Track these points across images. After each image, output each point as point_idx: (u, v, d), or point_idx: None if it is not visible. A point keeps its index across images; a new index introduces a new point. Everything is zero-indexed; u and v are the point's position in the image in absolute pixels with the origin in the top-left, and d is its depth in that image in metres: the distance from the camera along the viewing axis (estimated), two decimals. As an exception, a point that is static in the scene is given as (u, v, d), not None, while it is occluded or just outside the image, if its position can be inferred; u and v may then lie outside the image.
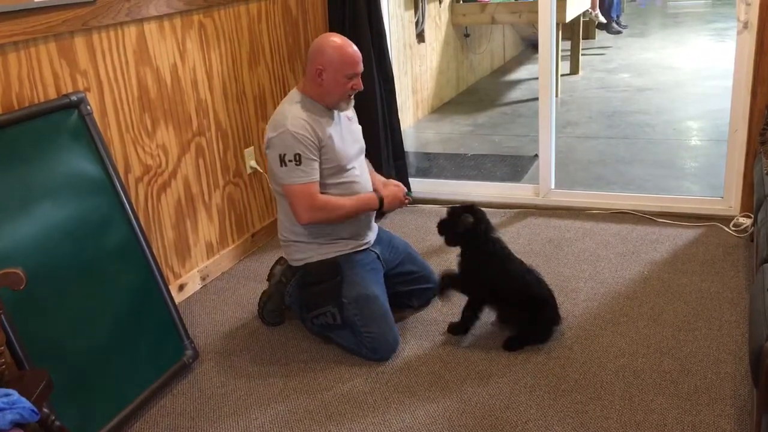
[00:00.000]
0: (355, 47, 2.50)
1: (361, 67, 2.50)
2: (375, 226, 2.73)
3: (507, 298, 2.50)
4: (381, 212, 2.53)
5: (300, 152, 2.40)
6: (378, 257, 2.64)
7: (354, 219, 2.57)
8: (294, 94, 2.55)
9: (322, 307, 2.54)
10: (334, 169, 2.51)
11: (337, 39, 2.49)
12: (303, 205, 2.43)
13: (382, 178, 2.82)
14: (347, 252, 2.56)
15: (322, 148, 2.47)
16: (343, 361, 2.51)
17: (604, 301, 2.74)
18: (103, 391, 2.20)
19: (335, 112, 2.55)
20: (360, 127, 2.75)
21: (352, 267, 2.54)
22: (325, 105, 2.51)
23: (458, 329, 2.59)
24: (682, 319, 2.58)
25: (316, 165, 2.45)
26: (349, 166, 2.57)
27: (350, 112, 2.68)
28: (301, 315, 2.66)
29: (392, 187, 2.67)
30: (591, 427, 2.08)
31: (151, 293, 2.47)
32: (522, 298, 2.48)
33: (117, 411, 2.21)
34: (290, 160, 2.40)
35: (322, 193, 2.48)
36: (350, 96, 2.53)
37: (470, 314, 2.57)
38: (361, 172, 2.65)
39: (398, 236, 2.89)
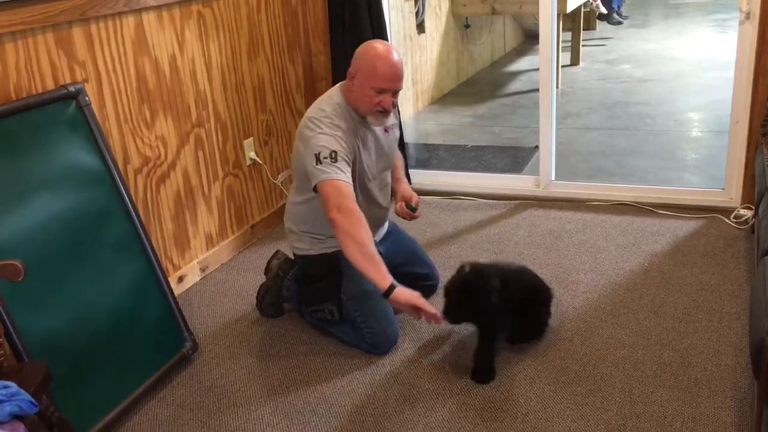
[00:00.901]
0: (395, 61, 2.33)
1: (396, 85, 2.36)
2: (386, 224, 2.72)
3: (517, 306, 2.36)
4: (386, 295, 2.22)
5: (336, 150, 2.30)
6: (380, 253, 2.62)
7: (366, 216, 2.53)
8: (336, 93, 2.46)
9: (320, 304, 2.53)
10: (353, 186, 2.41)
11: (379, 46, 2.36)
12: (334, 201, 2.26)
13: (406, 189, 2.71)
14: None
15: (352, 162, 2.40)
16: (342, 353, 2.50)
17: (604, 293, 2.74)
18: (103, 382, 2.19)
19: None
20: (398, 136, 2.64)
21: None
22: (358, 113, 2.42)
23: (486, 374, 2.31)
24: (683, 311, 2.58)
25: (349, 169, 2.35)
26: (369, 185, 2.52)
27: (391, 119, 2.56)
28: (299, 308, 2.66)
29: (409, 295, 2.23)
30: (591, 418, 2.08)
31: (150, 285, 2.46)
32: (527, 296, 2.41)
33: (116, 402, 2.21)
34: (325, 158, 2.28)
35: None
36: (379, 112, 2.38)
37: (492, 349, 2.34)
38: (380, 190, 2.59)
39: (405, 232, 2.87)
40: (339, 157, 2.29)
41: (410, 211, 2.67)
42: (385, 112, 2.40)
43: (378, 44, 2.38)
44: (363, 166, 2.47)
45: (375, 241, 2.57)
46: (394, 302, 2.23)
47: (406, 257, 2.73)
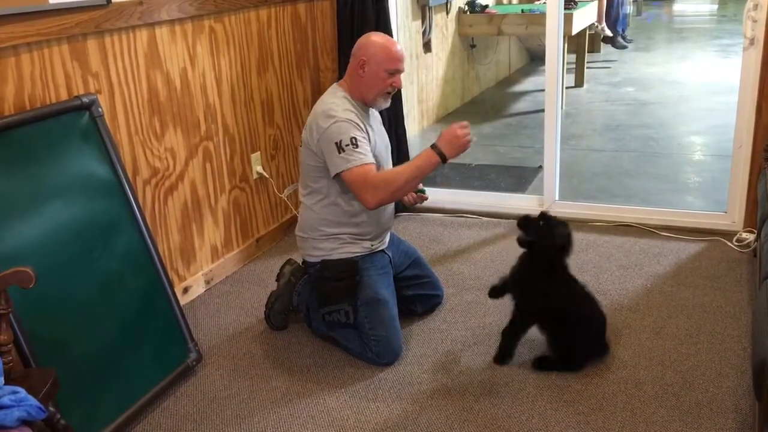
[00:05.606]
0: (400, 46, 2.52)
1: (403, 66, 2.51)
2: (391, 228, 2.75)
3: (562, 316, 2.39)
4: (444, 161, 2.35)
5: (355, 136, 2.38)
6: (390, 261, 2.66)
7: (378, 221, 2.56)
8: (335, 89, 2.55)
9: (337, 303, 2.53)
10: None
11: (382, 36, 2.53)
12: (365, 187, 2.35)
13: None
14: (366, 253, 2.57)
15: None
16: (345, 367, 2.51)
17: (607, 313, 2.74)
18: (107, 391, 2.21)
19: (370, 113, 2.57)
20: (383, 129, 2.74)
21: (368, 269, 2.55)
22: (363, 101, 2.52)
23: (504, 355, 2.47)
24: (685, 333, 2.59)
25: (369, 147, 2.43)
26: (379, 167, 2.55)
27: (378, 118, 2.68)
28: (306, 315, 2.67)
29: (447, 132, 2.38)
30: (592, 437, 2.09)
31: (156, 295, 2.48)
32: (576, 317, 2.39)
33: (120, 412, 2.22)
34: (347, 145, 2.36)
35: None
36: (389, 93, 2.53)
37: (514, 335, 2.47)
38: None
39: (407, 241, 2.89)
40: (359, 142, 2.38)
41: (420, 194, 2.72)
42: (390, 94, 2.54)
43: (379, 34, 2.55)
44: (377, 152, 2.52)
45: (385, 243, 2.66)
46: (449, 149, 2.35)
47: (411, 261, 2.80)
